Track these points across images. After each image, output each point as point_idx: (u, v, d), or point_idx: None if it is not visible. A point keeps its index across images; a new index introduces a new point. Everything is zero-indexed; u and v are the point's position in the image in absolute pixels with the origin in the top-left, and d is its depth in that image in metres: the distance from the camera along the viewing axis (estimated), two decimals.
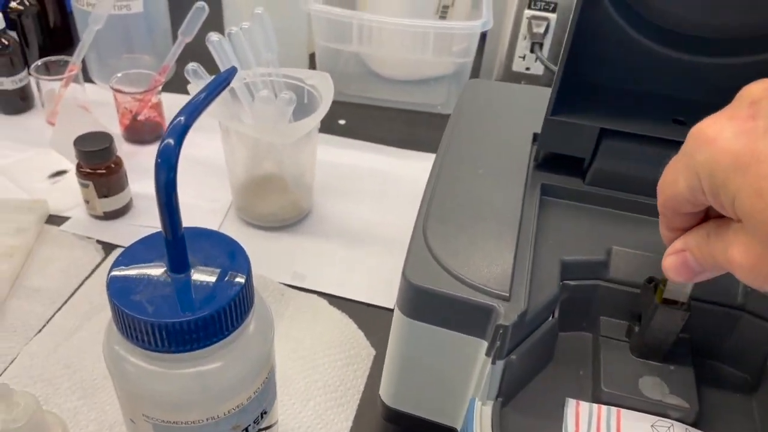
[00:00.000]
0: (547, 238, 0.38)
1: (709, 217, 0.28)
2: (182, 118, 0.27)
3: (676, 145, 0.28)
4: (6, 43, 0.65)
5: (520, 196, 0.39)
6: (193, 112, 0.27)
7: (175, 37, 0.75)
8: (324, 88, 0.55)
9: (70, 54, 0.73)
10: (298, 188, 0.58)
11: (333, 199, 0.62)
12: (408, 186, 0.64)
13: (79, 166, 0.55)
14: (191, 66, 0.50)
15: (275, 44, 0.56)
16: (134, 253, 0.29)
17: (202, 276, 0.28)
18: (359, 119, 0.74)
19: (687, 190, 0.26)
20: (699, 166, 0.25)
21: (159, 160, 0.26)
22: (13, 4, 0.72)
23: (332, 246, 0.57)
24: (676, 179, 0.26)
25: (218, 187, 0.61)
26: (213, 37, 0.51)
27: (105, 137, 0.55)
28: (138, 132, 0.66)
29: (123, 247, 0.55)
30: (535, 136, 0.44)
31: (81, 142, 0.54)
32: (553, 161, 0.42)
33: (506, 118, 0.47)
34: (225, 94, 0.53)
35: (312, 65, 0.79)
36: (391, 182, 0.65)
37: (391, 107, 0.76)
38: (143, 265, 0.29)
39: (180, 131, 0.26)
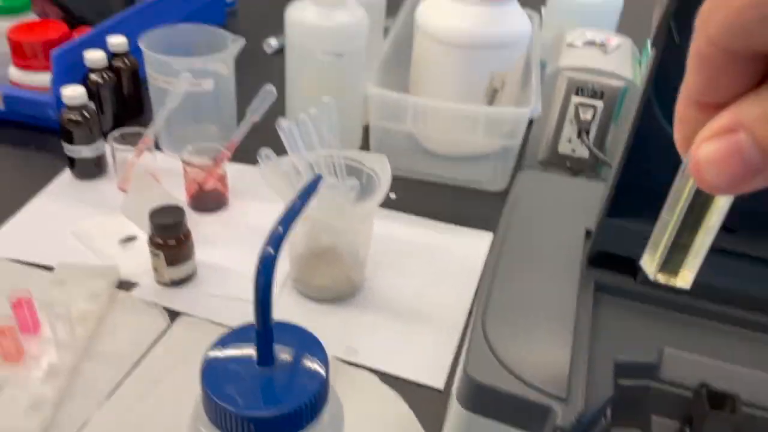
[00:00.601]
0: (601, 337, 0.39)
1: None
2: (281, 228, 0.30)
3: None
4: (87, 115, 0.71)
5: (574, 293, 0.41)
6: (289, 221, 0.30)
7: (239, 110, 0.80)
8: (382, 171, 0.58)
9: (140, 120, 0.79)
10: (352, 263, 0.61)
11: (384, 273, 0.64)
12: (457, 262, 0.67)
13: (151, 237, 0.59)
14: (264, 151, 0.54)
15: (338, 129, 0.59)
16: (226, 343, 0.32)
17: (286, 369, 0.31)
18: (409, 193, 0.77)
19: None
20: None
21: (260, 266, 0.29)
22: (93, 77, 0.78)
23: (384, 321, 0.59)
24: None
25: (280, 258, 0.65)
26: (283, 123, 0.56)
27: (177, 211, 0.59)
28: (203, 201, 0.70)
29: (187, 314, 0.58)
30: (588, 232, 0.46)
31: (155, 215, 0.58)
32: (606, 258, 0.44)
33: (559, 211, 0.49)
34: (291, 174, 0.56)
35: (365, 137, 0.83)
36: (441, 258, 0.67)
37: (439, 182, 0.79)
38: (234, 355, 0.31)
39: (278, 240, 0.29)
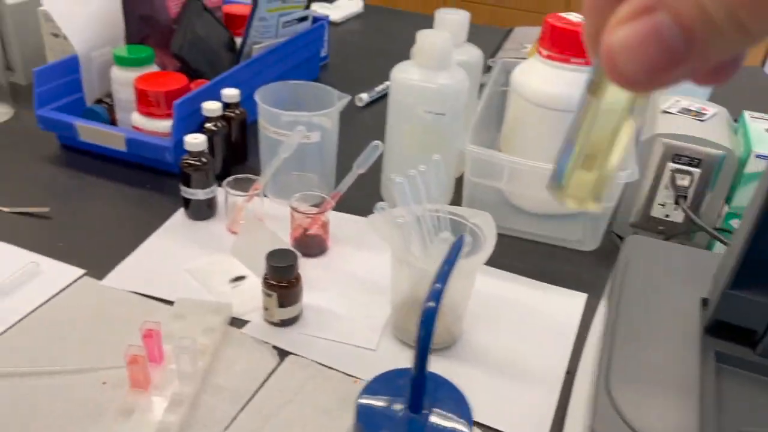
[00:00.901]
0: (724, 406, 0.40)
1: None
2: (438, 285, 0.32)
3: None
4: (205, 161, 0.76)
5: (696, 361, 0.42)
6: (445, 278, 0.33)
7: (339, 161, 0.85)
8: (487, 228, 0.61)
9: (245, 166, 0.84)
10: (452, 315, 0.63)
11: (481, 326, 0.66)
12: (551, 321, 0.68)
13: (265, 278, 0.63)
14: (380, 204, 0.58)
15: (445, 185, 0.63)
16: (376, 388, 0.34)
17: (435, 419, 0.33)
18: (499, 248, 0.78)
19: None
20: None
21: (423, 319, 0.32)
22: (208, 125, 0.84)
23: (482, 374, 0.61)
24: None
25: (375, 304, 0.67)
26: (397, 179, 0.59)
27: (291, 255, 0.62)
28: (305, 245, 0.74)
29: (295, 354, 0.61)
30: (704, 301, 0.47)
31: (271, 257, 0.62)
32: (723, 327, 0.45)
33: (670, 278, 0.50)
34: (404, 225, 0.59)
35: (458, 188, 0.85)
36: (535, 315, 0.68)
37: (527, 239, 0.81)
38: (385, 399, 0.34)
39: (438, 295, 0.32)
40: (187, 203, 0.78)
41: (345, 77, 1.23)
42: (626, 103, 0.18)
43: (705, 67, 0.16)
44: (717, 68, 0.17)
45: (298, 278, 0.63)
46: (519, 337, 0.65)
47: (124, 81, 0.88)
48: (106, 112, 0.92)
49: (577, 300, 0.70)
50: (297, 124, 0.76)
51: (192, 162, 0.76)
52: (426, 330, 0.32)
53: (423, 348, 0.32)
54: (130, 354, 0.53)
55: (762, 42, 0.15)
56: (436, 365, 0.61)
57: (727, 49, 0.15)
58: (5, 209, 0.76)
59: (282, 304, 0.63)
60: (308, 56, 1.15)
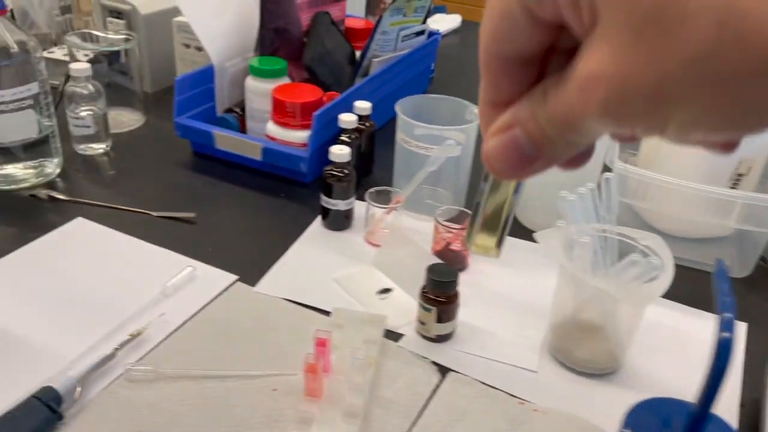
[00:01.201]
0: None
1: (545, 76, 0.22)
2: (726, 314, 0.31)
3: None
4: (347, 172, 0.77)
5: None
6: (730, 306, 0.31)
7: (471, 178, 0.84)
8: (662, 252, 0.58)
9: (370, 178, 0.84)
10: (616, 340, 0.61)
11: (639, 352, 0.64)
12: (709, 349, 0.65)
13: (424, 292, 0.62)
14: (559, 222, 0.56)
15: (616, 206, 0.61)
16: (639, 416, 0.33)
17: None
18: None
19: None
20: None
21: (719, 350, 0.30)
22: (343, 137, 0.85)
23: None
24: None
25: (527, 323, 0.66)
26: (569, 196, 0.58)
27: (452, 271, 0.62)
28: (447, 260, 0.73)
29: (454, 371, 0.60)
30: None
31: (433, 271, 0.61)
32: None
33: None
34: (579, 245, 0.58)
35: None
36: (691, 342, 0.66)
37: None
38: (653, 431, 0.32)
39: (730, 324, 0.31)
40: (325, 213, 0.79)
41: (451, 92, 1.22)
42: (513, 182, 0.25)
43: (558, 162, 0.21)
44: (570, 160, 0.22)
45: (457, 294, 0.62)
46: (681, 366, 0.63)
47: (258, 91, 0.90)
48: (237, 121, 0.93)
49: (737, 329, 0.67)
50: (429, 137, 0.76)
51: (335, 173, 0.76)
52: (722, 362, 0.30)
53: (715, 380, 0.30)
54: (307, 362, 0.53)
55: (592, 144, 0.21)
56: (597, 390, 0.60)
57: (565, 153, 0.21)
58: (154, 213, 0.78)
59: (440, 319, 0.62)
60: (422, 69, 1.15)
